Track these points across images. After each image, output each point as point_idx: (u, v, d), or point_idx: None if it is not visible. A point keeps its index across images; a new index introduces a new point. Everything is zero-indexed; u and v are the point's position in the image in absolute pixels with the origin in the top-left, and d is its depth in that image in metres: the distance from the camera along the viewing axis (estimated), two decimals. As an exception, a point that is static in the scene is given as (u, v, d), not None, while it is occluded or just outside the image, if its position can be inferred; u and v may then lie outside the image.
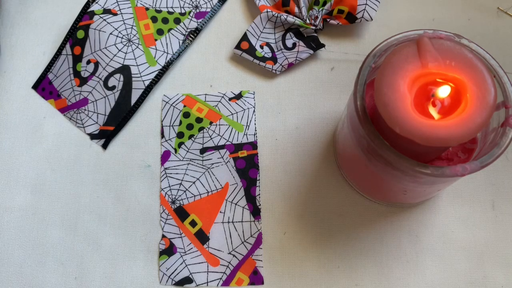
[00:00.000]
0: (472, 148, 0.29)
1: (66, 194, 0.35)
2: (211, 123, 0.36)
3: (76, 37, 0.38)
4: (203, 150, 0.35)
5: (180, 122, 0.36)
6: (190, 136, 0.35)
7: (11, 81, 0.38)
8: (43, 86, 0.38)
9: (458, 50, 0.25)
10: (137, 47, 0.37)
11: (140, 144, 0.37)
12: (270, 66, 0.37)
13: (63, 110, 0.37)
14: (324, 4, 0.38)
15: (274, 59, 0.38)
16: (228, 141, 0.35)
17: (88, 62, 0.37)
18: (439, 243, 0.34)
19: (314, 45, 0.38)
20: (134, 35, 0.38)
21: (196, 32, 0.39)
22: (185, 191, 0.34)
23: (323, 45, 0.38)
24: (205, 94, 0.37)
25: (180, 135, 0.36)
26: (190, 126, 0.36)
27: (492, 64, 0.27)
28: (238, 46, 0.38)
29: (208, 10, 0.40)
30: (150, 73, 0.37)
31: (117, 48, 0.37)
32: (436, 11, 0.40)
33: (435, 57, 0.25)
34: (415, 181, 0.27)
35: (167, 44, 0.38)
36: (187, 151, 0.35)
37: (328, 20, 0.38)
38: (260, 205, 0.34)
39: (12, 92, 0.38)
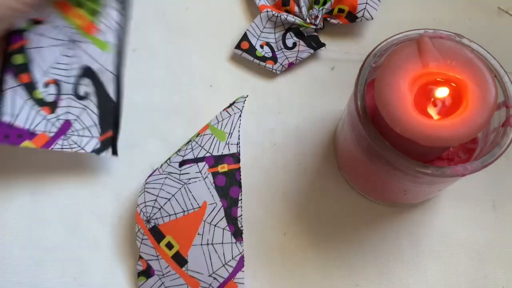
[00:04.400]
0: (473, 148, 0.29)
1: (66, 194, 0.35)
2: (198, 134, 0.33)
3: (14, 64, 0.32)
4: (182, 163, 0.32)
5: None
6: (178, 151, 0.33)
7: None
8: (5, 132, 0.32)
9: (458, 49, 0.25)
10: (83, 42, 0.33)
11: (139, 144, 0.37)
12: (271, 66, 0.37)
13: (47, 145, 0.32)
14: (324, 3, 0.38)
15: (274, 58, 0.38)
16: (208, 152, 0.32)
17: (46, 84, 0.33)
18: (439, 243, 0.34)
19: (315, 44, 0.38)
20: (73, 33, 0.33)
21: None
22: (159, 209, 0.31)
23: (323, 45, 0.38)
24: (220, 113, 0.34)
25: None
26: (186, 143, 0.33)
27: (492, 64, 0.27)
28: (238, 46, 0.38)
29: None
30: (110, 59, 0.33)
31: (67, 55, 0.33)
32: (437, 11, 0.40)
33: (435, 56, 0.25)
34: (416, 181, 0.27)
35: (107, 20, 0.34)
36: (168, 164, 0.32)
37: (328, 19, 0.38)
38: (242, 226, 0.31)
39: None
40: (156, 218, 0.31)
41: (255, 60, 0.38)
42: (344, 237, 0.34)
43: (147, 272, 0.32)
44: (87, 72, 0.33)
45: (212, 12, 0.41)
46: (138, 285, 0.32)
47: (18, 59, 0.32)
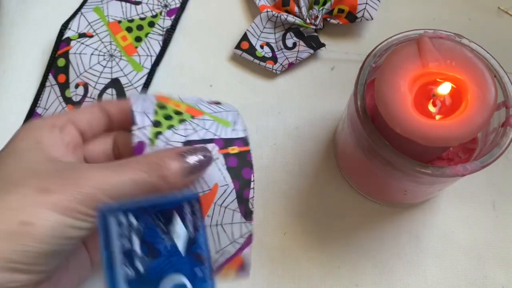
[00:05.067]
0: (473, 148, 0.29)
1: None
2: (193, 117, 0.29)
3: (57, 66, 0.37)
4: (187, 143, 0.29)
5: (155, 111, 0.29)
6: (170, 127, 0.29)
7: (11, 81, 0.38)
8: None
9: (458, 49, 0.25)
10: (121, 59, 0.38)
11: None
12: (271, 66, 0.37)
13: None
14: (324, 3, 0.38)
15: (274, 58, 0.38)
16: (216, 135, 0.29)
17: (77, 86, 0.37)
18: (439, 243, 0.34)
19: (315, 44, 0.38)
20: (115, 49, 0.38)
21: (172, 29, 0.39)
22: None
23: (323, 45, 0.38)
24: (179, 96, 0.31)
25: (156, 124, 0.28)
26: (168, 117, 0.29)
27: (492, 64, 0.27)
28: (238, 46, 0.38)
29: (178, 5, 0.40)
30: (140, 79, 0.38)
31: (102, 65, 0.37)
32: (437, 11, 0.40)
33: (435, 56, 0.25)
34: (416, 181, 0.27)
35: (148, 47, 0.39)
36: (167, 143, 0.28)
37: (328, 19, 0.38)
38: (253, 207, 0.29)
39: (12, 92, 0.38)
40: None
41: (255, 60, 0.38)
42: (344, 237, 0.34)
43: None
44: (115, 83, 0.37)
45: (212, 12, 0.41)
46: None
47: (60, 62, 0.37)
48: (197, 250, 0.24)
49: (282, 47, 0.38)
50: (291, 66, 0.37)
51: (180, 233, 0.24)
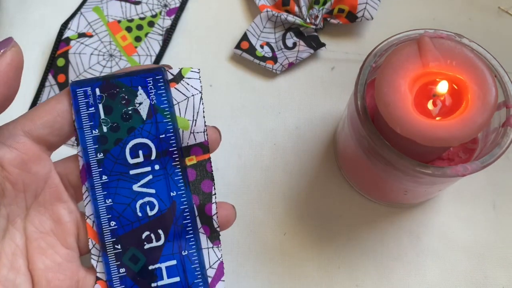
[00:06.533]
0: (473, 148, 0.29)
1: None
2: (144, 120, 0.27)
3: (56, 66, 0.37)
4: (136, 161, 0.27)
5: (100, 122, 0.26)
6: (117, 141, 0.26)
7: (10, 81, 0.38)
8: None
9: (459, 49, 0.25)
10: (120, 58, 0.38)
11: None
12: (270, 66, 0.37)
13: None
14: (324, 3, 0.38)
15: (274, 58, 0.38)
16: (171, 144, 0.27)
17: None
18: (440, 244, 0.34)
19: (315, 44, 0.38)
20: (115, 49, 0.38)
21: (172, 29, 0.39)
22: (119, 217, 0.26)
23: (323, 45, 0.38)
24: (131, 77, 0.27)
25: (103, 140, 0.26)
26: (115, 127, 0.26)
27: (493, 64, 0.27)
28: (238, 46, 0.38)
29: (177, 5, 0.40)
30: None
31: (101, 65, 0.37)
32: (437, 11, 0.40)
33: (436, 56, 0.25)
34: (416, 181, 0.27)
35: (147, 47, 0.39)
36: (115, 162, 0.26)
37: (328, 19, 0.38)
38: (218, 227, 0.26)
39: (11, 92, 0.38)
40: (116, 228, 0.26)
41: (255, 60, 0.38)
42: (344, 237, 0.34)
43: None
44: None
45: (212, 12, 0.41)
46: None
47: (60, 61, 0.38)
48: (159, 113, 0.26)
49: (282, 47, 0.38)
50: (291, 66, 0.37)
51: (142, 101, 0.26)
